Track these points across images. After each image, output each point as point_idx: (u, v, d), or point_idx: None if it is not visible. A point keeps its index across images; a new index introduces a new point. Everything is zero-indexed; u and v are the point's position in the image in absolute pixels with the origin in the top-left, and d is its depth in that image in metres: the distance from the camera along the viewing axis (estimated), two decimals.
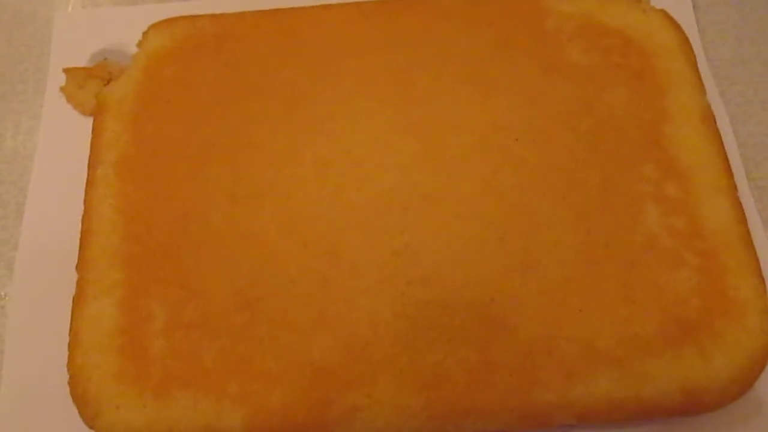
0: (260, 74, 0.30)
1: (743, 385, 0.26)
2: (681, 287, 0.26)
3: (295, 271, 0.27)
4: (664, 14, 0.32)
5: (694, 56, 0.31)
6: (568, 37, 0.31)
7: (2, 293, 0.30)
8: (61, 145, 0.32)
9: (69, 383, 0.26)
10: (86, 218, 0.28)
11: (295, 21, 0.31)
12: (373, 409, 0.25)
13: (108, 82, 0.32)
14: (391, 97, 0.30)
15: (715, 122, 0.30)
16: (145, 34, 0.32)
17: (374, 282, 0.26)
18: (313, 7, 0.32)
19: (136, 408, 0.25)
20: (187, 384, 0.25)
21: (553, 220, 0.27)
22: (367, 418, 0.25)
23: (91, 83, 0.32)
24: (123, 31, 0.34)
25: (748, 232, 0.28)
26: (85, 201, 0.29)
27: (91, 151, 0.30)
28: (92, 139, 0.30)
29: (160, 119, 0.30)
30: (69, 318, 0.27)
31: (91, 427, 0.25)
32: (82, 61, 0.34)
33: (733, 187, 0.28)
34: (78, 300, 0.27)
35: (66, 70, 0.33)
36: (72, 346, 0.26)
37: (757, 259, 0.27)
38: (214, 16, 0.32)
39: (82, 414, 0.25)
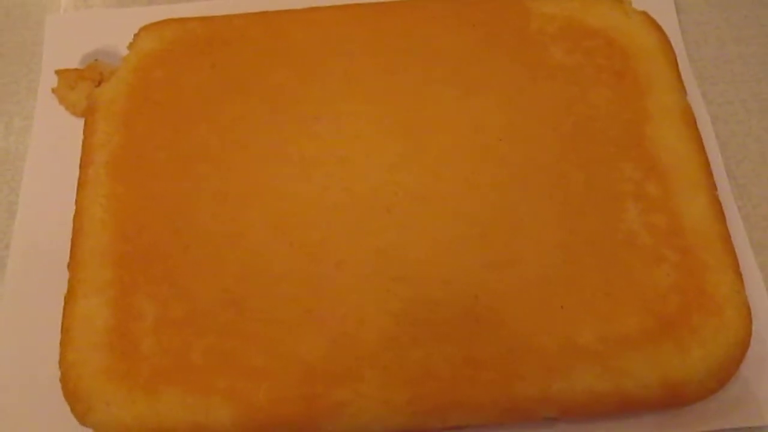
0: (248, 76, 0.31)
1: (721, 378, 0.26)
2: (660, 284, 0.27)
3: (282, 269, 0.27)
4: (646, 16, 0.32)
5: (675, 57, 0.31)
6: (551, 38, 0.31)
7: None
8: (52, 145, 0.32)
9: (60, 380, 0.26)
10: (77, 218, 0.29)
11: (283, 23, 0.32)
12: (360, 404, 0.25)
13: (99, 84, 0.32)
14: (377, 98, 0.30)
15: (695, 122, 0.30)
16: (135, 36, 0.33)
17: (359, 279, 0.27)
18: (300, 10, 0.32)
19: (127, 404, 0.26)
20: (176, 380, 0.26)
21: (535, 218, 0.28)
22: (353, 413, 0.25)
23: (82, 84, 0.33)
24: (114, 33, 0.34)
25: (726, 230, 0.28)
26: (76, 201, 0.29)
27: (82, 151, 0.30)
28: (83, 139, 0.31)
29: (150, 120, 0.30)
30: (60, 316, 0.27)
31: (82, 424, 0.26)
32: (73, 62, 0.34)
33: (713, 186, 0.29)
34: (69, 298, 0.27)
35: (58, 72, 0.33)
36: (63, 344, 0.27)
37: (735, 256, 0.28)
38: (203, 18, 0.33)
39: (73, 410, 0.26)
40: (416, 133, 0.29)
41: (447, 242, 0.27)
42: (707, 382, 0.26)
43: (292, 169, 0.29)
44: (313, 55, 0.31)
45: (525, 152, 0.29)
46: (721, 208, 0.29)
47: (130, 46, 0.32)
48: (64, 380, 0.26)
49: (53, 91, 0.33)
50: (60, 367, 0.26)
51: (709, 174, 0.29)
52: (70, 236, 0.29)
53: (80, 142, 0.31)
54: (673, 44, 0.32)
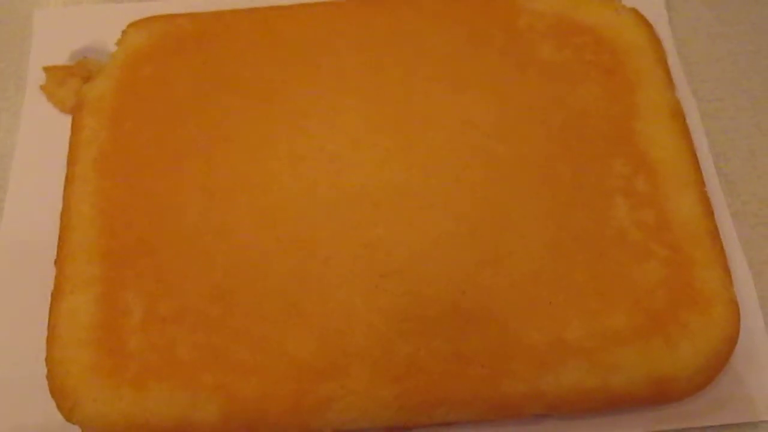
0: (237, 72, 0.31)
1: (710, 374, 0.26)
2: (649, 279, 0.27)
3: (270, 264, 0.27)
4: (636, 12, 0.32)
5: (665, 54, 0.32)
6: (541, 34, 0.31)
7: None
8: (40, 142, 0.32)
9: (47, 377, 0.26)
10: (65, 214, 0.29)
11: (272, 19, 0.32)
12: (347, 399, 0.25)
13: (87, 80, 0.32)
14: (366, 94, 0.30)
15: (685, 118, 0.30)
16: (124, 32, 0.33)
17: (348, 275, 0.27)
18: (289, 6, 0.32)
19: (114, 400, 0.25)
20: (163, 376, 0.26)
21: (524, 214, 0.28)
22: (341, 408, 0.25)
23: (70, 81, 0.33)
24: (102, 29, 0.34)
25: (715, 226, 0.28)
26: (63, 197, 0.29)
27: (70, 147, 0.30)
28: (71, 136, 0.30)
29: (138, 116, 0.30)
30: (47, 312, 0.27)
31: (69, 420, 0.26)
32: (62, 58, 0.34)
33: (701, 182, 0.29)
34: (56, 294, 0.27)
35: (46, 68, 0.33)
36: (50, 340, 0.27)
37: (723, 252, 0.28)
38: (192, 14, 0.33)
39: (60, 407, 0.26)
40: (405, 129, 0.29)
41: (435, 238, 0.27)
42: (696, 378, 0.26)
43: (281, 164, 0.29)
44: (302, 51, 0.31)
45: (514, 148, 0.29)
46: (710, 204, 0.29)
47: (119, 43, 0.32)
48: (51, 377, 0.26)
49: (41, 87, 0.33)
50: (46, 363, 0.26)
51: (698, 170, 0.29)
52: (58, 232, 0.28)
53: (68, 139, 0.31)
54: (662, 40, 0.32)
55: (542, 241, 0.27)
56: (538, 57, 0.31)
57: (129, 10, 0.35)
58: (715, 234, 0.28)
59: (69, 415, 0.26)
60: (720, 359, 0.26)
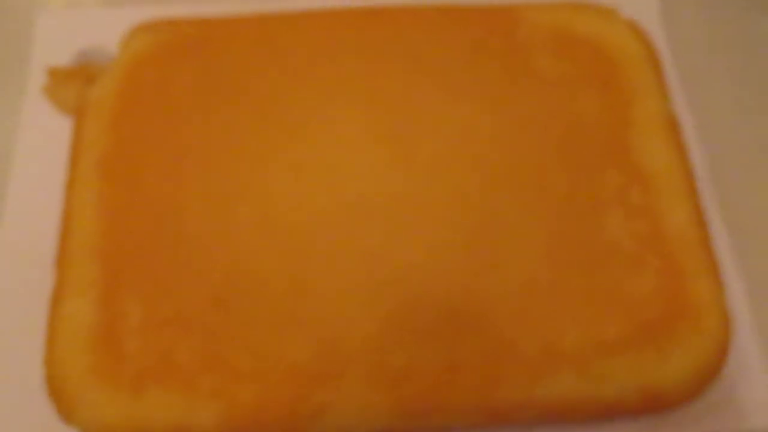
0: (239, 79, 0.31)
1: (702, 384, 0.27)
2: (642, 290, 0.27)
3: (268, 271, 0.27)
4: (633, 24, 0.33)
5: (662, 65, 0.32)
6: (539, 45, 0.32)
7: None
8: (41, 144, 0.32)
9: (45, 379, 0.26)
10: (65, 217, 0.29)
11: (275, 27, 0.32)
12: (344, 405, 0.26)
13: (89, 83, 0.32)
14: (365, 104, 0.30)
15: (680, 129, 0.30)
16: (127, 35, 0.33)
17: (346, 283, 0.27)
18: (293, 13, 0.33)
19: (112, 404, 0.26)
20: (161, 380, 0.26)
21: (520, 224, 0.28)
22: (337, 415, 0.26)
23: (72, 83, 0.33)
24: (105, 32, 0.34)
25: (709, 237, 0.28)
26: (64, 200, 0.29)
27: (71, 150, 0.30)
28: (72, 138, 0.31)
29: (140, 120, 0.30)
30: (46, 315, 0.27)
31: (67, 423, 0.26)
32: (63, 61, 0.34)
33: (696, 193, 0.29)
34: (55, 297, 0.27)
35: (48, 71, 0.33)
36: (48, 343, 0.27)
37: (717, 263, 0.28)
38: (195, 19, 0.33)
39: (58, 410, 0.26)
40: (404, 138, 0.30)
41: (432, 247, 0.28)
42: (688, 387, 0.26)
43: (280, 172, 0.29)
44: (304, 60, 0.31)
45: (511, 158, 0.29)
46: (705, 215, 0.29)
47: (122, 46, 0.32)
48: (50, 379, 0.26)
49: (43, 89, 0.33)
50: (45, 366, 0.27)
51: (693, 182, 0.29)
52: (57, 235, 0.29)
53: (69, 141, 0.31)
54: (659, 52, 0.32)
55: (537, 251, 0.28)
56: (536, 68, 0.31)
57: (131, 13, 0.35)
58: (709, 245, 0.28)
59: (67, 418, 0.26)
60: (712, 370, 0.27)
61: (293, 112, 0.30)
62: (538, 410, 0.26)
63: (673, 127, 0.30)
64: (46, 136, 0.32)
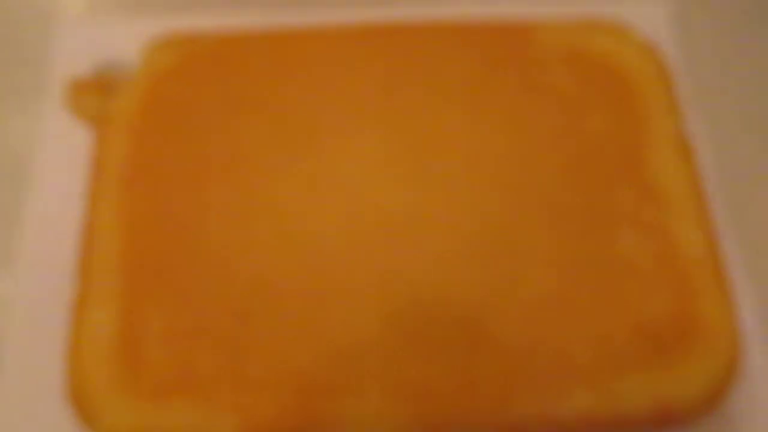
0: (260, 93, 0.31)
1: (713, 402, 0.27)
2: (654, 307, 0.27)
3: (287, 284, 0.28)
4: (648, 42, 0.33)
5: (675, 84, 0.32)
6: (554, 64, 0.32)
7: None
8: (61, 156, 0.33)
9: (67, 389, 0.27)
10: (86, 229, 0.29)
11: (295, 43, 0.33)
12: (361, 419, 0.26)
13: (110, 95, 0.33)
14: (382, 120, 0.31)
15: (694, 148, 0.31)
16: (147, 49, 0.33)
17: (363, 297, 0.28)
18: (312, 31, 0.33)
19: (133, 413, 0.26)
20: (182, 391, 0.26)
21: (534, 241, 0.29)
22: (354, 428, 0.26)
23: (93, 95, 0.33)
24: (126, 44, 0.34)
25: (721, 256, 0.29)
26: (85, 212, 0.30)
27: (92, 162, 0.31)
28: (94, 150, 0.31)
29: (161, 132, 0.31)
30: (68, 326, 0.28)
31: (88, 431, 0.26)
32: (82, 72, 0.34)
33: (709, 211, 0.30)
34: (77, 308, 0.28)
35: (68, 82, 0.34)
36: (70, 354, 0.27)
37: (729, 282, 0.28)
38: (216, 32, 0.33)
39: (80, 418, 0.26)
40: (420, 154, 0.30)
41: (448, 262, 0.28)
42: (700, 404, 0.27)
43: (299, 186, 0.30)
44: (322, 76, 0.32)
45: (525, 176, 0.30)
46: (717, 233, 0.29)
47: (143, 59, 0.33)
48: (71, 388, 0.27)
49: (63, 101, 0.34)
50: (67, 375, 0.27)
51: (706, 200, 0.30)
52: (78, 246, 0.29)
53: (90, 153, 0.31)
54: (674, 70, 0.33)
55: (551, 268, 0.28)
56: (550, 86, 0.32)
57: (152, 24, 0.35)
58: (721, 264, 0.29)
59: (89, 426, 0.26)
60: (724, 386, 0.27)
61: (312, 128, 0.31)
62: (553, 426, 0.26)
63: (686, 145, 0.31)
64: (66, 148, 0.33)
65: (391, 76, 0.32)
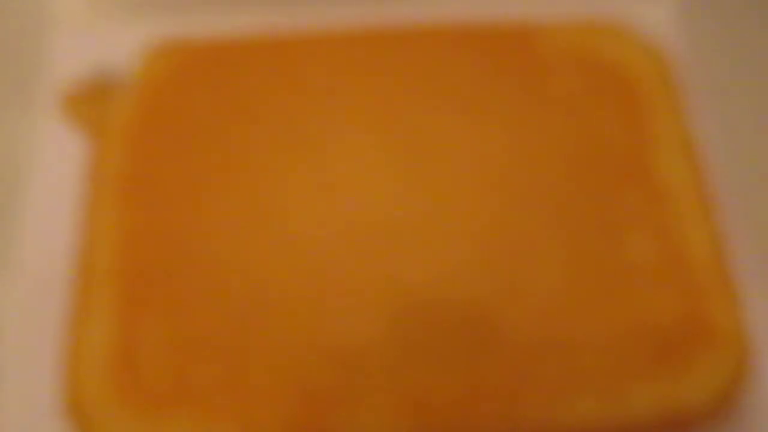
0: (258, 101, 0.31)
1: (722, 408, 0.26)
2: (662, 311, 0.27)
3: (288, 293, 0.27)
4: (653, 44, 0.33)
5: (681, 86, 0.32)
6: (557, 66, 0.32)
7: None
8: (57, 164, 0.32)
9: (63, 400, 0.26)
10: (82, 239, 0.29)
11: (294, 49, 0.32)
12: (366, 428, 0.26)
13: (107, 102, 0.32)
14: (383, 125, 0.30)
15: (699, 150, 0.30)
16: (144, 56, 0.33)
17: (365, 306, 0.27)
18: (311, 36, 0.33)
19: (132, 427, 0.26)
20: (182, 402, 0.26)
21: (539, 246, 0.28)
22: None
23: (89, 102, 0.33)
24: (123, 50, 0.34)
25: (729, 259, 0.28)
26: (81, 222, 0.29)
27: (88, 171, 0.30)
28: (89, 159, 0.31)
29: (158, 141, 0.30)
30: (62, 337, 0.27)
31: None
32: (80, 79, 0.34)
33: (717, 214, 0.29)
34: (74, 319, 0.27)
35: (63, 90, 0.33)
36: (66, 365, 0.27)
37: (737, 286, 0.28)
38: (214, 39, 0.33)
39: (77, 430, 0.26)
40: (422, 160, 0.30)
41: (452, 269, 0.28)
42: (708, 409, 0.26)
43: (299, 194, 0.29)
44: (322, 82, 0.31)
45: (530, 180, 0.29)
46: (724, 236, 0.29)
47: (140, 66, 0.32)
48: (68, 400, 0.26)
49: (58, 109, 0.33)
50: (63, 387, 0.26)
51: (713, 201, 0.29)
52: (74, 257, 0.29)
53: (86, 161, 0.31)
54: (679, 71, 0.32)
55: (557, 272, 0.28)
56: (554, 88, 0.31)
57: (148, 30, 0.35)
58: (729, 267, 0.28)
59: None
60: (733, 391, 0.27)
61: (311, 134, 0.30)
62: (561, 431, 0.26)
63: (692, 147, 0.30)
64: (62, 156, 0.33)
65: (393, 80, 0.31)
